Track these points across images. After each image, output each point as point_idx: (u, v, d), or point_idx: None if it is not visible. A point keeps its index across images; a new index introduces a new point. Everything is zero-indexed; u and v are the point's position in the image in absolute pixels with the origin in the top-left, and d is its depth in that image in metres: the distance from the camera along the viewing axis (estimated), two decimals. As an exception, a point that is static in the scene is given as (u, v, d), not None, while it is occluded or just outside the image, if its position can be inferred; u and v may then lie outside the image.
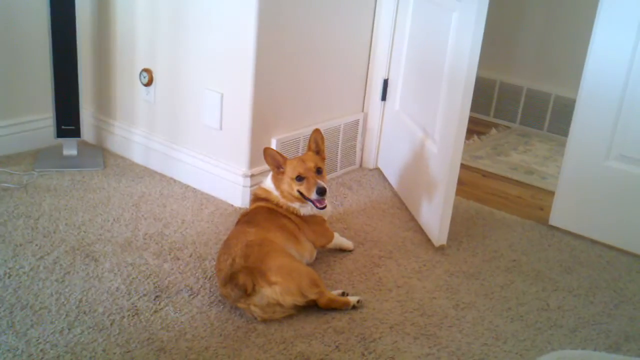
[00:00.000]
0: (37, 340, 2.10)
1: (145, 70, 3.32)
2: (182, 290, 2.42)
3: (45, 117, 3.49)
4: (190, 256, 2.65)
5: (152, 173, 3.39)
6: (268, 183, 2.63)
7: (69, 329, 2.16)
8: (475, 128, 4.50)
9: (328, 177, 3.39)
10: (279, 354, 2.13)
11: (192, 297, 2.39)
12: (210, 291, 2.43)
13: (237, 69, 2.95)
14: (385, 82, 3.52)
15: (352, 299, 2.39)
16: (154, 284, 2.45)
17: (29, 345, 2.08)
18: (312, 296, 2.30)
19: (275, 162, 2.56)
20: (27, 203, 2.96)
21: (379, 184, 3.50)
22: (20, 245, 2.63)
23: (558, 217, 3.16)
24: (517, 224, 3.18)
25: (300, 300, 2.28)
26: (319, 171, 2.55)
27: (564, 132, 4.14)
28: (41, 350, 2.06)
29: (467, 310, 2.46)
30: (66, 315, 2.23)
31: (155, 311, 2.29)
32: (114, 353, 2.08)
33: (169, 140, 3.35)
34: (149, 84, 3.32)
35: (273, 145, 3.10)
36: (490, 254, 2.87)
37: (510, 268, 2.78)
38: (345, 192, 3.36)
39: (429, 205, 2.95)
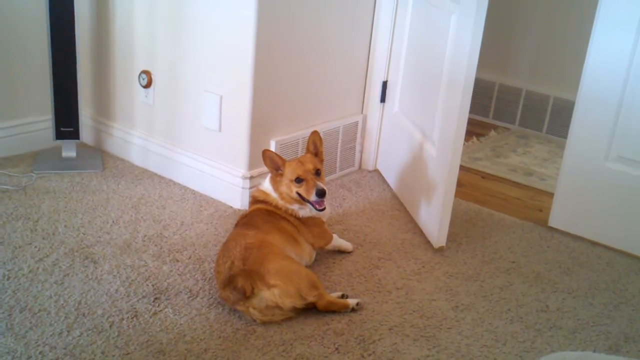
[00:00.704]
0: (36, 342, 2.10)
1: (144, 72, 3.32)
2: (181, 292, 2.42)
3: (44, 119, 3.49)
4: (190, 258, 2.65)
5: (151, 175, 3.39)
6: (266, 185, 2.63)
7: (68, 331, 2.16)
8: (475, 130, 4.51)
9: (327, 178, 3.40)
10: (278, 356, 2.13)
11: (191, 299, 2.39)
12: (209, 293, 2.42)
13: (236, 70, 2.96)
14: (385, 84, 3.52)
15: (351, 302, 2.39)
16: (153, 286, 2.44)
17: (27, 347, 2.07)
18: (311, 299, 2.29)
19: (274, 164, 2.56)
20: (26, 205, 2.96)
21: (378, 186, 3.50)
22: (19, 247, 2.62)
23: (557, 218, 3.16)
24: (517, 226, 3.18)
25: (299, 303, 2.28)
26: (317, 173, 2.56)
27: (563, 133, 4.16)
28: (40, 352, 2.06)
29: (467, 311, 2.46)
30: (65, 317, 2.23)
31: (155, 313, 2.29)
32: (113, 355, 2.07)
33: (168, 142, 3.34)
34: (148, 85, 3.32)
35: (272, 147, 3.10)
36: (489, 256, 2.87)
37: (509, 269, 2.78)
38: (344, 194, 3.36)
39: (428, 207, 2.95)
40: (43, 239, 2.70)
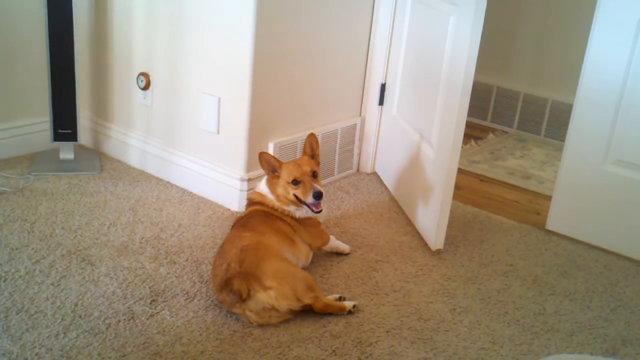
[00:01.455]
0: (32, 344, 2.09)
1: (143, 74, 3.31)
2: (178, 294, 2.42)
3: (42, 121, 3.49)
4: (187, 260, 2.65)
5: (149, 177, 3.39)
6: (262, 187, 2.63)
7: (65, 333, 2.15)
8: (473, 133, 4.51)
9: (325, 181, 3.40)
10: (275, 358, 2.12)
11: (188, 301, 2.38)
12: (206, 295, 2.42)
13: (234, 73, 2.96)
14: (383, 87, 3.53)
15: (348, 304, 2.39)
16: (150, 288, 2.44)
17: (24, 349, 2.07)
18: (308, 301, 2.29)
19: (271, 166, 2.56)
20: (23, 207, 2.96)
21: (376, 188, 3.50)
22: (16, 248, 2.62)
23: (555, 221, 3.16)
24: (514, 229, 3.18)
25: (295, 305, 2.27)
26: (314, 175, 2.56)
27: (561, 137, 4.16)
28: (36, 354, 2.05)
29: (464, 314, 2.45)
30: (62, 319, 2.22)
31: (151, 315, 2.29)
32: (110, 357, 2.07)
33: (166, 144, 3.34)
34: (146, 87, 3.32)
35: (270, 150, 3.10)
36: (487, 259, 2.87)
37: (507, 272, 2.78)
38: (342, 196, 3.36)
39: (426, 210, 2.95)
40: (40, 240, 2.70)
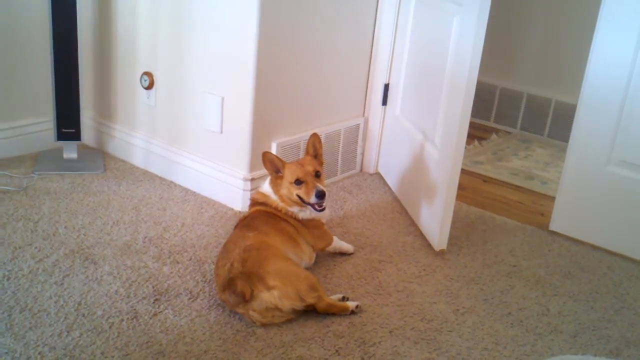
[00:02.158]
0: (36, 342, 2.09)
1: (146, 73, 3.32)
2: (181, 293, 2.42)
3: (45, 120, 3.49)
4: (190, 260, 2.65)
5: (152, 176, 3.39)
6: (266, 187, 2.63)
7: (68, 332, 2.16)
8: (476, 133, 4.51)
9: (328, 181, 3.40)
10: (278, 358, 2.12)
11: (191, 300, 2.38)
12: (209, 295, 2.42)
13: (238, 72, 2.96)
14: (386, 87, 3.52)
15: (351, 304, 2.38)
16: (153, 287, 2.44)
17: (27, 347, 2.07)
18: (311, 300, 2.29)
19: (274, 166, 2.56)
20: (26, 206, 2.96)
21: (379, 189, 3.50)
22: (20, 247, 2.62)
23: (558, 222, 3.16)
24: (518, 229, 3.17)
25: (298, 305, 2.27)
26: (317, 175, 2.56)
27: (565, 137, 4.13)
28: (39, 353, 2.05)
29: (467, 315, 2.45)
30: (65, 318, 2.22)
31: (155, 314, 2.29)
32: (113, 356, 2.07)
33: (169, 143, 3.34)
34: (149, 87, 3.32)
35: (273, 149, 3.10)
36: (490, 259, 2.87)
37: (510, 273, 2.77)
38: (345, 197, 3.36)
39: (429, 210, 2.95)
40: (43, 239, 2.70)
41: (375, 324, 2.34)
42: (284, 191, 2.55)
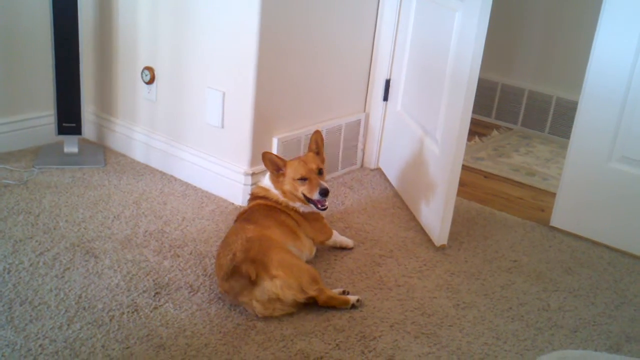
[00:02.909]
0: (36, 335, 2.10)
1: (147, 68, 3.31)
2: (182, 287, 2.42)
3: (46, 115, 3.49)
4: (191, 253, 2.65)
5: (152, 171, 3.39)
6: (267, 182, 2.64)
7: (68, 325, 2.16)
8: (477, 129, 4.50)
9: (329, 176, 3.40)
10: (279, 352, 2.12)
11: (192, 294, 2.38)
12: (210, 288, 2.42)
13: (239, 67, 2.95)
14: (388, 82, 3.52)
15: (352, 298, 2.39)
16: (153, 280, 2.44)
17: (27, 340, 2.07)
18: (312, 292, 2.29)
19: (275, 165, 2.56)
20: (27, 199, 2.96)
21: (380, 184, 3.50)
22: (20, 241, 2.62)
23: (559, 218, 3.16)
24: (518, 225, 3.17)
25: (299, 296, 2.27)
26: (320, 172, 2.57)
27: (565, 134, 4.15)
28: (40, 345, 2.06)
29: (468, 309, 2.45)
30: (65, 311, 2.22)
31: (155, 308, 2.29)
32: (113, 349, 2.07)
33: (170, 138, 3.34)
34: (150, 82, 3.32)
35: (274, 145, 3.10)
36: (491, 255, 2.87)
37: (511, 268, 2.77)
38: (346, 192, 3.36)
39: (430, 206, 2.95)
40: (44, 233, 2.70)
41: (376, 318, 2.34)
42: (287, 187, 2.55)
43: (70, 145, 3.40)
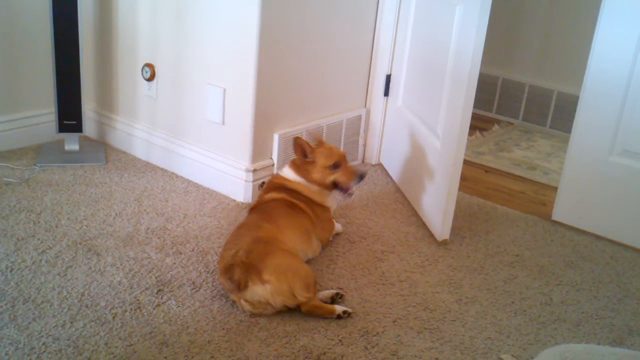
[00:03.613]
0: (39, 333, 2.10)
1: (148, 65, 3.31)
2: (184, 284, 2.42)
3: (47, 112, 3.49)
4: (193, 250, 2.65)
5: (154, 168, 3.39)
6: (287, 172, 2.62)
7: (71, 323, 2.16)
8: (478, 124, 4.50)
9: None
10: (282, 348, 2.12)
11: (194, 291, 2.38)
12: (212, 285, 2.42)
13: (239, 63, 2.95)
14: (388, 78, 3.51)
15: (338, 309, 2.28)
16: (156, 278, 2.44)
17: (30, 338, 2.07)
18: (302, 299, 2.23)
19: (303, 151, 2.58)
20: (29, 197, 2.96)
21: (382, 180, 3.49)
22: (22, 239, 2.62)
23: (561, 212, 3.15)
24: (520, 219, 3.17)
25: (290, 302, 2.23)
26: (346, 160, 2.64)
27: (566, 128, 4.15)
28: (43, 343, 2.06)
29: (470, 304, 2.45)
30: (68, 309, 2.23)
31: (158, 305, 2.29)
32: (116, 347, 2.07)
33: (171, 135, 3.34)
34: (151, 79, 3.32)
35: (275, 141, 3.10)
36: (493, 249, 2.87)
37: (513, 263, 2.77)
38: (347, 188, 3.36)
39: (431, 201, 2.95)
40: (46, 231, 2.70)
41: (379, 314, 2.34)
42: (316, 175, 2.55)
43: (71, 143, 3.40)
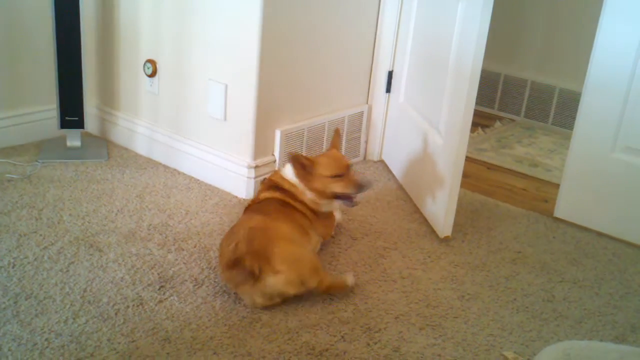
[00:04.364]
0: (42, 329, 2.10)
1: (149, 61, 3.31)
2: (186, 280, 2.42)
3: (49, 109, 3.48)
4: (195, 247, 2.65)
5: (156, 164, 3.39)
6: (289, 173, 2.57)
7: (74, 319, 2.16)
8: (480, 121, 4.49)
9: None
10: (284, 344, 2.12)
11: (196, 287, 2.38)
12: (214, 281, 2.42)
13: (241, 59, 2.94)
14: (390, 74, 3.51)
15: (349, 281, 2.40)
16: (158, 274, 2.44)
17: (33, 334, 2.07)
18: (312, 284, 2.27)
19: (302, 165, 2.52)
20: (31, 194, 2.96)
21: (384, 176, 3.49)
22: (25, 235, 2.62)
23: (563, 209, 3.15)
24: (522, 216, 3.17)
25: (301, 290, 2.26)
26: (349, 168, 2.58)
27: (568, 125, 4.15)
28: (46, 339, 2.06)
29: (473, 301, 2.45)
30: (71, 304, 2.23)
31: (160, 301, 2.29)
32: (119, 342, 2.07)
33: (173, 131, 3.34)
34: (153, 75, 3.31)
35: (277, 137, 3.10)
36: (495, 246, 2.87)
37: (515, 259, 2.77)
38: (349, 184, 3.35)
39: (433, 197, 2.94)
40: (48, 227, 2.70)
41: (381, 310, 2.34)
42: (316, 184, 2.52)
43: (73, 139, 3.40)
